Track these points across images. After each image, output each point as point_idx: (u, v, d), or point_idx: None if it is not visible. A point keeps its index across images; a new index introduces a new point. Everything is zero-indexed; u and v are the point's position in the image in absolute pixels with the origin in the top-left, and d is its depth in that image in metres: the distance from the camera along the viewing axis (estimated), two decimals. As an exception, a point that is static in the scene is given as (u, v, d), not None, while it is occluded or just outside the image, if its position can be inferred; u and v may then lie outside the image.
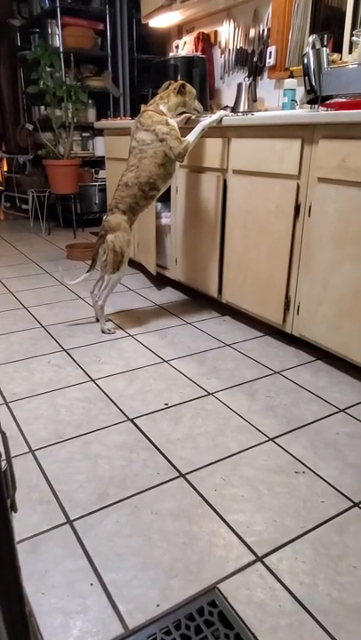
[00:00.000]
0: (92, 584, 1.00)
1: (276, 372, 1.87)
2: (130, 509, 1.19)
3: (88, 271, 2.27)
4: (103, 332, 2.24)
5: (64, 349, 2.05)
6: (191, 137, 2.13)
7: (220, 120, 2.12)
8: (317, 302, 1.85)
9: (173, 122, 2.13)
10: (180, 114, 2.29)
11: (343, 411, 1.62)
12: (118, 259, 2.18)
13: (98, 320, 2.31)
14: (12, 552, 0.47)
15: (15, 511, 0.52)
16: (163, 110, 2.13)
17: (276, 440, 1.47)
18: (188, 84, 2.18)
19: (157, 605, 0.96)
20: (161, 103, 2.14)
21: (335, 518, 1.17)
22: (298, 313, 1.96)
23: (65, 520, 1.16)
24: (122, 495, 1.24)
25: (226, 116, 2.11)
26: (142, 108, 2.19)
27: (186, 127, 2.27)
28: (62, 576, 1.02)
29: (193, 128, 2.15)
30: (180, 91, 2.15)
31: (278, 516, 1.18)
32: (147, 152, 2.10)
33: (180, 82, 2.17)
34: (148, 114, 2.12)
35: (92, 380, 1.80)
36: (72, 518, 1.17)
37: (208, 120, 2.13)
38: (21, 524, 1.15)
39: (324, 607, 0.96)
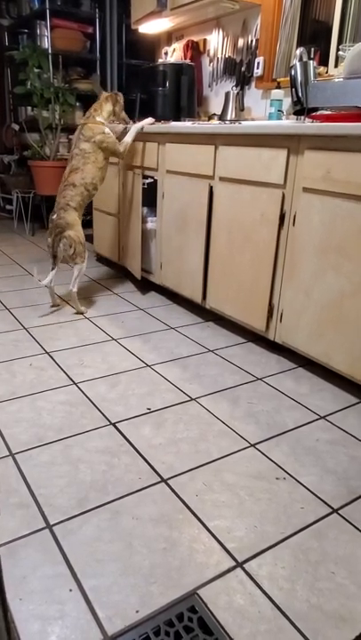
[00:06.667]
0: (70, 590, 0.99)
1: (258, 379, 1.89)
2: (110, 514, 1.19)
3: (53, 269, 2.48)
4: (80, 313, 2.48)
5: (47, 352, 2.03)
6: (128, 138, 2.54)
7: (142, 128, 2.55)
8: (300, 310, 1.88)
9: (108, 130, 2.47)
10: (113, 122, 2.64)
11: (324, 418, 1.64)
12: (84, 248, 2.46)
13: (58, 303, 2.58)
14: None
15: (-2, 515, 0.51)
16: (99, 120, 2.46)
17: (257, 446, 1.48)
18: (120, 94, 2.54)
19: (137, 611, 0.95)
20: (96, 115, 2.47)
21: (315, 524, 1.18)
22: (281, 320, 1.98)
23: (44, 525, 1.15)
24: (103, 500, 1.23)
25: (151, 123, 2.55)
26: (82, 120, 2.50)
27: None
28: (41, 582, 1.01)
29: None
30: (111, 99, 2.50)
31: (259, 521, 1.18)
32: (89, 158, 2.42)
33: (113, 92, 2.54)
34: (88, 126, 2.44)
35: (75, 384, 1.79)
36: (52, 523, 1.15)
37: (138, 125, 2.56)
38: None
39: (302, 613, 0.96)
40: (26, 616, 0.93)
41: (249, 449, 1.46)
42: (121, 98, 2.54)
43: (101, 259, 3.50)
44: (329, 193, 1.70)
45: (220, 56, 3.13)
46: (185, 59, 3.27)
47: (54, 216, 2.42)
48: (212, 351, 2.12)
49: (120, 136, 2.58)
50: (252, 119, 2.92)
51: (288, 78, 2.17)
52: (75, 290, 2.46)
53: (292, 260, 1.88)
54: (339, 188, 1.65)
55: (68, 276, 2.67)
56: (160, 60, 3.29)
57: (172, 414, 1.62)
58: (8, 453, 1.39)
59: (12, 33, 4.73)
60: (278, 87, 2.61)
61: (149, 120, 2.61)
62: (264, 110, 2.87)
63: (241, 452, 1.44)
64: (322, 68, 2.46)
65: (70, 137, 4.43)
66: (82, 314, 2.48)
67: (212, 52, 3.19)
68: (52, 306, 2.57)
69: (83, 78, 4.40)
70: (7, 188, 4.73)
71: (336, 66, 2.50)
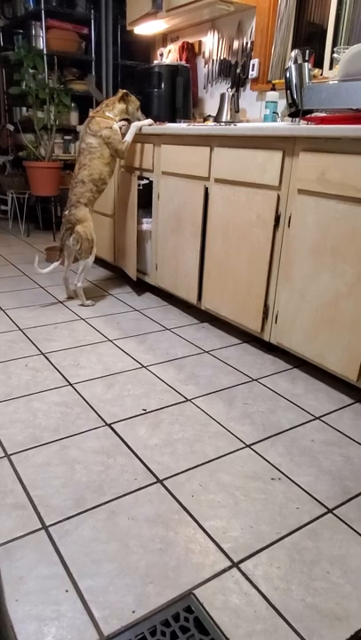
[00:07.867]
0: (67, 590, 0.99)
1: (253, 380, 1.90)
2: (107, 515, 1.19)
3: (58, 261, 2.60)
4: (86, 305, 2.61)
5: (42, 353, 2.03)
6: (128, 137, 2.53)
7: (141, 128, 2.52)
8: (295, 311, 1.89)
9: (116, 126, 2.48)
10: (125, 120, 2.63)
11: (319, 418, 1.65)
12: (91, 245, 2.55)
13: (70, 298, 2.71)
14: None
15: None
16: (109, 116, 2.47)
17: (252, 447, 1.48)
18: (131, 94, 2.55)
19: (133, 612, 0.96)
20: (107, 110, 2.48)
21: (310, 524, 1.19)
22: (276, 321, 1.99)
23: (40, 526, 1.15)
24: (99, 500, 1.23)
25: (150, 124, 2.51)
26: (90, 113, 2.50)
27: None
28: (37, 582, 1.01)
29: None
30: (124, 99, 2.50)
31: (254, 522, 1.19)
32: (95, 153, 2.46)
33: (123, 91, 2.52)
34: (95, 120, 2.45)
35: (70, 385, 1.79)
36: (48, 524, 1.15)
37: (138, 124, 2.53)
38: (-4, 529, 1.13)
39: (298, 612, 0.97)
40: (22, 617, 0.93)
41: (244, 449, 1.47)
42: (133, 98, 2.54)
43: (97, 260, 3.50)
44: (324, 195, 1.71)
45: (215, 58, 3.14)
46: (180, 60, 3.28)
47: (66, 212, 2.53)
48: (207, 352, 2.12)
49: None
50: (248, 121, 2.93)
51: (283, 80, 2.18)
52: (80, 284, 2.60)
53: (287, 261, 1.89)
54: (333, 189, 1.66)
55: (69, 276, 2.69)
56: (155, 62, 3.29)
57: (167, 415, 1.63)
58: (4, 454, 1.39)
59: (6, 33, 4.72)
60: (273, 89, 2.62)
61: (148, 121, 2.62)
62: (259, 112, 2.88)
63: (236, 453, 1.45)
64: (317, 71, 2.47)
65: (66, 137, 4.43)
66: (87, 305, 2.60)
67: (207, 54, 3.20)
68: (67, 297, 2.69)
69: (78, 79, 4.39)
70: (2, 189, 4.71)
71: (331, 68, 2.51)
